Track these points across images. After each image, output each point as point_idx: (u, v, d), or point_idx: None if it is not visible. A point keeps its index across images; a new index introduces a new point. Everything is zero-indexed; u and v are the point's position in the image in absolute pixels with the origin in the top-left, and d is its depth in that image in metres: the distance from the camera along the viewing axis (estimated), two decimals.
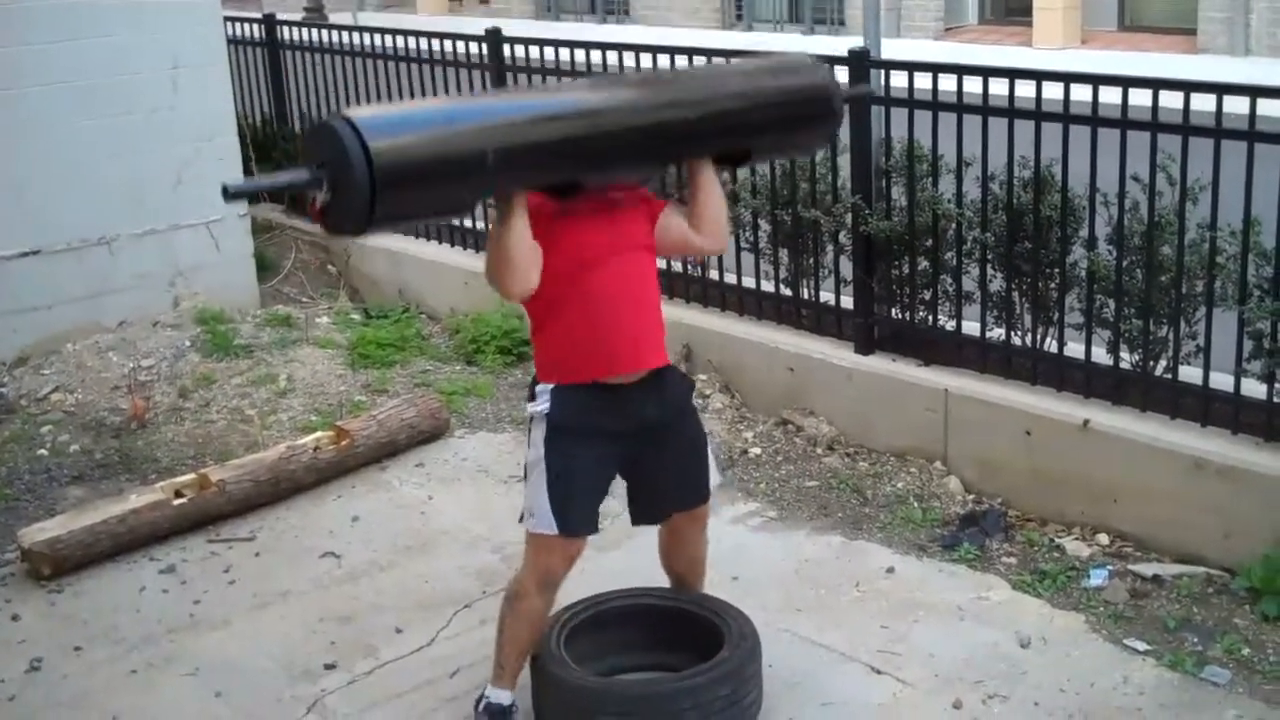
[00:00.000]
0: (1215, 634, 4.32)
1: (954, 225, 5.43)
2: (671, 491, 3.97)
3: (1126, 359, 5.03)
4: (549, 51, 6.93)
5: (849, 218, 5.76)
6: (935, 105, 5.41)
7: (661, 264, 4.62)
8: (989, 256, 5.36)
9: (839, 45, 6.20)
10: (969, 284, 5.47)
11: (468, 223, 7.41)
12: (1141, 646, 4.28)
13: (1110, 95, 4.83)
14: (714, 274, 6.41)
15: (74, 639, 4.66)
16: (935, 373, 5.51)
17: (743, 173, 6.13)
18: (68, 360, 6.87)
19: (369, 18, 18.60)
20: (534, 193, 3.61)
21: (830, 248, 5.94)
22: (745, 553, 4.94)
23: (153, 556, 5.18)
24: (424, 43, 7.65)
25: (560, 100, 3.82)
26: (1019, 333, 5.36)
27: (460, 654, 4.41)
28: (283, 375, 6.73)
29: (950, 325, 5.55)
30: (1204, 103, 4.62)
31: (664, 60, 6.12)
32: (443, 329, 7.41)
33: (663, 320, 3.88)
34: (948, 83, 5.30)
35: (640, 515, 4.04)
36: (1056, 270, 5.17)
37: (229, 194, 3.30)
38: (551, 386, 3.75)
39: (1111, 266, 5.00)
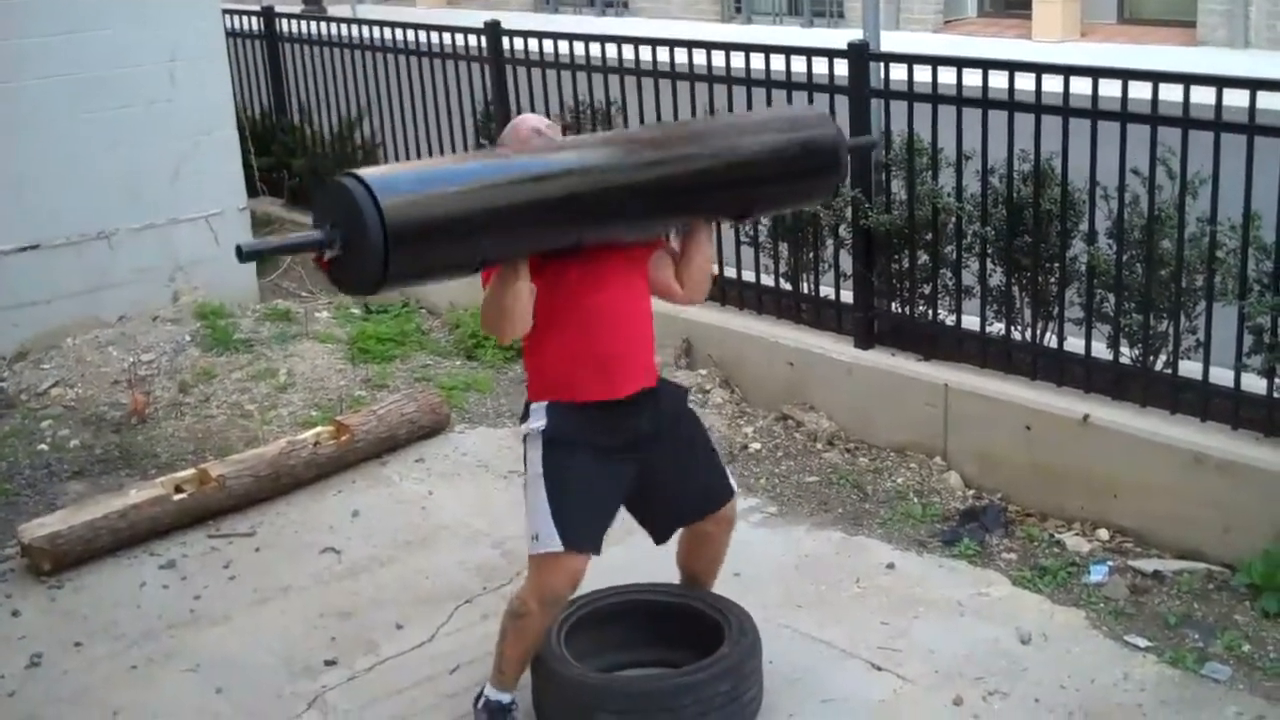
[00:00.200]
0: (1216, 630, 4.32)
1: (954, 219, 5.42)
2: (687, 499, 3.96)
3: (1126, 354, 5.03)
4: (548, 44, 6.92)
5: (849, 212, 5.75)
6: (935, 98, 5.39)
7: None
8: (989, 250, 5.36)
9: (838, 38, 6.18)
10: (969, 278, 5.47)
11: None
12: (1142, 643, 4.28)
13: (1110, 88, 4.83)
14: (714, 269, 6.39)
15: (74, 634, 4.65)
16: (935, 367, 5.51)
17: None
18: (67, 355, 6.87)
19: (368, 10, 18.55)
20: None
21: (830, 242, 5.93)
22: (745, 548, 4.91)
23: (153, 552, 5.18)
24: (423, 35, 7.65)
25: (567, 159, 3.68)
26: (1019, 327, 5.35)
27: (461, 650, 4.41)
28: (283, 370, 6.73)
29: (950, 320, 5.54)
30: (1204, 96, 4.60)
31: (663, 53, 6.10)
32: (443, 324, 7.41)
33: (654, 338, 3.91)
34: (947, 76, 5.29)
35: (663, 533, 4.04)
36: (1056, 264, 5.16)
37: (243, 255, 3.29)
38: (546, 404, 3.75)
39: (1111, 261, 5.00)
